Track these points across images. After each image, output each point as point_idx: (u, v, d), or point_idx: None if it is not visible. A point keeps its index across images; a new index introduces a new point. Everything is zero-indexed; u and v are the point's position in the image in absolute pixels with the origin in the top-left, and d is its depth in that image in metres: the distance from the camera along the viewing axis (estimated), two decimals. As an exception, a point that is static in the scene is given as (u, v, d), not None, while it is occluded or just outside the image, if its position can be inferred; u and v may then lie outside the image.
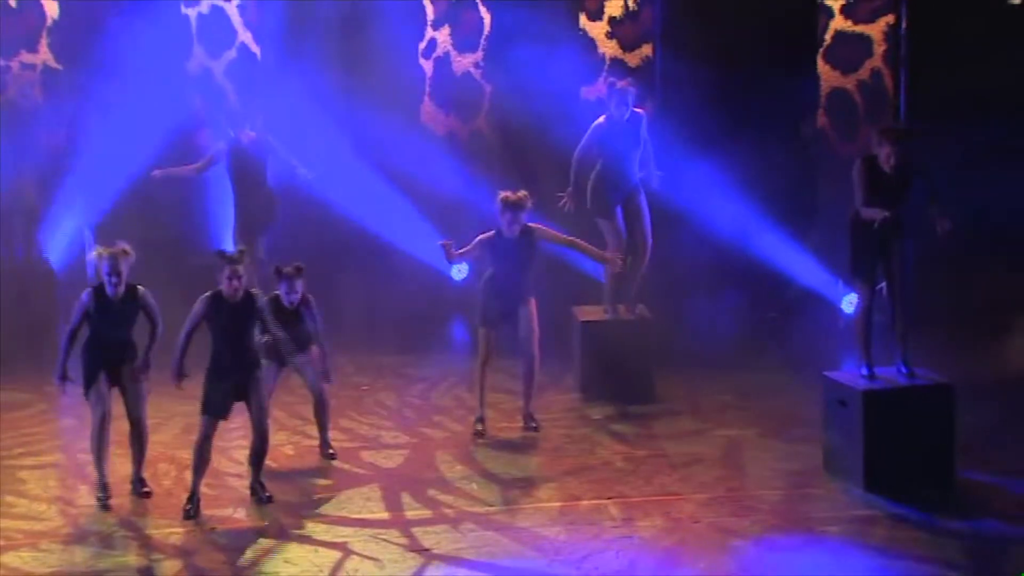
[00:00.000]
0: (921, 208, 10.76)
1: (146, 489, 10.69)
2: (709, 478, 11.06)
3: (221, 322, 10.31)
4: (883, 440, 10.65)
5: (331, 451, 11.54)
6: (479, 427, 12.07)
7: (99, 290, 10.51)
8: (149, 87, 15.13)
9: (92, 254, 10.58)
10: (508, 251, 11.89)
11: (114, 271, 10.43)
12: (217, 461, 11.31)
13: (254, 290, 10.45)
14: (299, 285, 11.10)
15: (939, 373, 11.01)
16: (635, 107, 12.87)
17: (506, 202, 11.79)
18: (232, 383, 10.34)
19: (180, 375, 10.39)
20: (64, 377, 10.62)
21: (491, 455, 11.53)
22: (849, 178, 10.94)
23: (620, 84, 12.92)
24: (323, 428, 11.55)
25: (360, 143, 15.29)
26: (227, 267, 10.22)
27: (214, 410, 10.36)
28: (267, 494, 10.52)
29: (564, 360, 13.39)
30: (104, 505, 10.52)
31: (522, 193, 11.88)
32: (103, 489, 10.61)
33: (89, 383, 10.60)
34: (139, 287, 10.57)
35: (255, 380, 10.43)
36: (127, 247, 10.52)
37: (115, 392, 10.63)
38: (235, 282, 10.22)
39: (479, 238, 11.95)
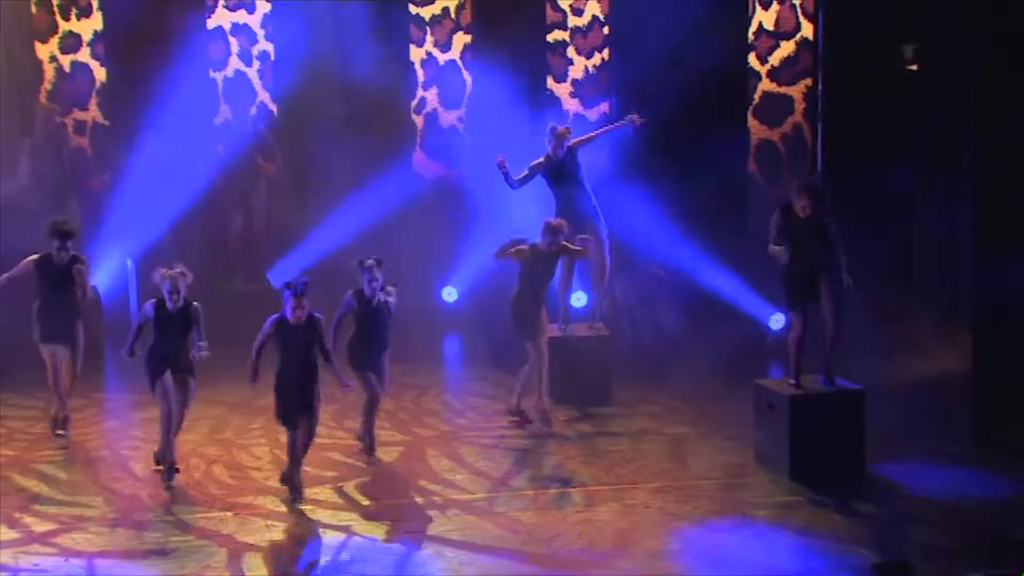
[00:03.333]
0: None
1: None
2: (658, 470, 11.05)
3: (285, 342, 10.16)
4: (806, 437, 10.67)
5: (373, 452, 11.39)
6: (512, 418, 12.04)
7: (160, 303, 10.50)
8: (182, 138, 15.11)
9: (157, 275, 10.51)
10: (542, 265, 11.84)
11: (174, 289, 10.44)
12: (238, 456, 11.30)
13: (316, 315, 10.23)
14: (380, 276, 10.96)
15: (854, 381, 11.02)
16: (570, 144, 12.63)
17: (548, 226, 11.77)
18: (296, 395, 10.20)
19: (255, 376, 10.30)
20: (131, 353, 10.64)
21: (473, 451, 11.49)
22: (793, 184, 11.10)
23: (560, 129, 12.70)
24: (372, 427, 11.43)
25: (359, 185, 15.25)
26: (292, 299, 10.06)
27: (285, 421, 10.28)
28: (299, 495, 10.32)
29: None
30: (169, 485, 10.50)
31: (561, 221, 11.89)
32: (170, 472, 10.60)
33: (153, 382, 10.58)
34: (194, 303, 10.56)
35: (315, 393, 10.26)
36: (185, 269, 10.53)
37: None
38: (299, 311, 10.05)
39: (522, 247, 11.86)
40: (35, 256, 11.44)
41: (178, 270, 10.51)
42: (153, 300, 10.57)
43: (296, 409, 10.21)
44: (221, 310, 12.29)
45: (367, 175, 15.22)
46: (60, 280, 11.42)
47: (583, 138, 12.80)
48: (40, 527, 9.79)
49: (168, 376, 10.57)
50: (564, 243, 11.90)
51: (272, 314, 10.27)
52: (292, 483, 10.34)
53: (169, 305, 10.48)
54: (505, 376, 13.57)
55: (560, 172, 12.62)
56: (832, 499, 10.23)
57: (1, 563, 9.13)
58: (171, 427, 10.63)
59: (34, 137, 15.11)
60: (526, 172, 12.58)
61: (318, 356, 10.28)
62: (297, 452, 10.35)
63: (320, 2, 15.46)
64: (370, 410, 11.29)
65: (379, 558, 9.25)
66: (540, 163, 12.59)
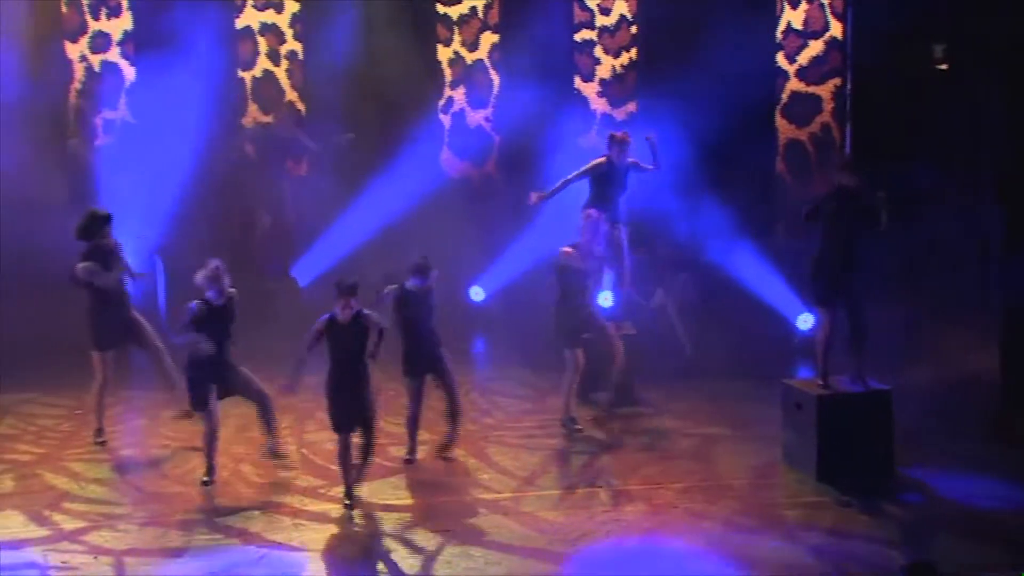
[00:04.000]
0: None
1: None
2: (685, 470, 11.03)
3: (334, 342, 10.08)
4: (833, 438, 10.63)
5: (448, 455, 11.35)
6: (575, 427, 11.96)
7: (205, 302, 10.56)
8: (210, 138, 15.17)
9: (199, 277, 10.54)
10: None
11: (219, 286, 10.52)
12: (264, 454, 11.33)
13: (364, 312, 10.13)
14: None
15: (881, 382, 10.98)
16: (629, 157, 12.78)
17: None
18: (349, 401, 10.14)
19: (294, 384, 10.32)
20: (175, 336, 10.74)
21: (500, 450, 11.50)
22: (800, 214, 11.08)
23: (620, 135, 12.81)
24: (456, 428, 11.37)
25: (388, 182, 15.28)
26: (339, 297, 10.02)
27: (339, 427, 10.19)
28: (350, 503, 10.22)
29: (561, 370, 13.35)
30: (208, 483, 10.59)
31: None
32: (210, 473, 10.66)
33: (202, 391, 10.63)
34: (232, 295, 10.65)
35: (368, 398, 10.20)
36: (220, 263, 10.58)
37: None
38: (347, 310, 10.01)
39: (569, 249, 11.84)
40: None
41: (214, 265, 10.56)
42: (197, 301, 10.59)
43: (350, 415, 10.11)
44: (248, 309, 12.35)
45: (394, 174, 15.25)
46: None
47: (639, 165, 12.76)
48: (69, 525, 9.85)
49: (215, 388, 10.61)
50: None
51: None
52: (350, 493, 10.22)
53: (213, 298, 10.52)
54: (532, 375, 13.62)
55: (613, 177, 12.71)
56: (859, 500, 10.20)
57: (31, 560, 9.19)
58: (214, 441, 10.68)
59: (74, 137, 15.21)
60: (583, 170, 12.64)
61: (367, 357, 10.16)
62: (356, 461, 10.20)
63: (348, 1, 15.51)
64: (413, 423, 11.25)
65: (406, 556, 9.27)
66: (600, 164, 12.63)
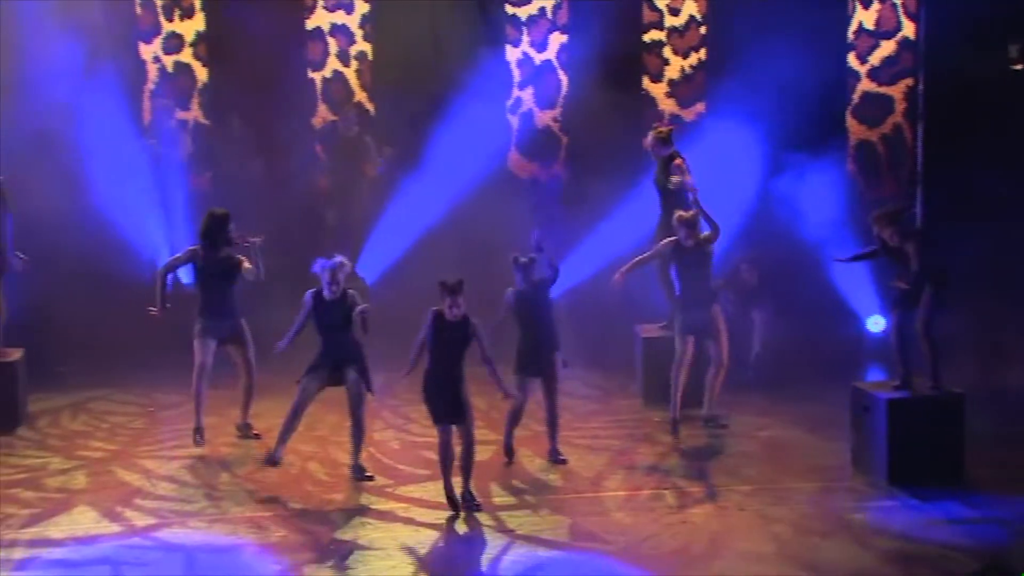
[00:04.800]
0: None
1: (368, 474, 10.79)
2: (753, 472, 10.97)
3: (438, 340, 10.05)
4: (903, 441, 10.53)
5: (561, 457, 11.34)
6: (676, 427, 11.94)
7: (318, 293, 10.67)
8: (280, 138, 15.28)
9: (316, 265, 10.67)
10: (690, 260, 11.78)
11: (333, 280, 10.61)
12: (334, 453, 11.39)
13: (473, 319, 10.06)
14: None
15: (962, 385, 10.87)
16: (676, 151, 12.62)
17: (680, 219, 11.72)
18: (446, 396, 10.10)
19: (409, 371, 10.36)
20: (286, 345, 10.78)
21: (566, 450, 11.46)
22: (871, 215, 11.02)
23: (659, 128, 12.76)
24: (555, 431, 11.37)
25: (455, 183, 15.30)
26: (448, 296, 9.96)
27: (439, 420, 10.17)
28: (476, 502, 10.17)
29: (628, 371, 13.34)
30: (273, 462, 10.73)
31: (694, 212, 11.79)
32: (274, 462, 10.77)
33: (310, 371, 10.73)
34: (349, 290, 10.71)
35: (464, 395, 10.13)
36: (345, 260, 10.69)
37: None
38: (455, 309, 9.95)
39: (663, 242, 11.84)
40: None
41: (338, 260, 10.65)
42: (311, 291, 10.72)
43: (447, 410, 10.07)
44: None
45: (461, 175, 15.26)
46: (218, 275, 11.58)
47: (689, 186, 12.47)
48: (141, 521, 9.95)
49: (315, 380, 10.72)
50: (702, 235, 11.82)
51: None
52: (463, 499, 10.18)
53: (327, 293, 10.62)
54: (598, 376, 13.59)
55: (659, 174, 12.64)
56: (930, 504, 10.10)
57: (104, 555, 9.30)
58: (291, 426, 10.79)
59: (150, 136, 15.37)
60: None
61: (464, 358, 10.11)
62: (455, 461, 10.15)
63: (417, 2, 15.56)
64: (513, 419, 11.23)
65: (473, 556, 9.29)
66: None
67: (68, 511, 10.16)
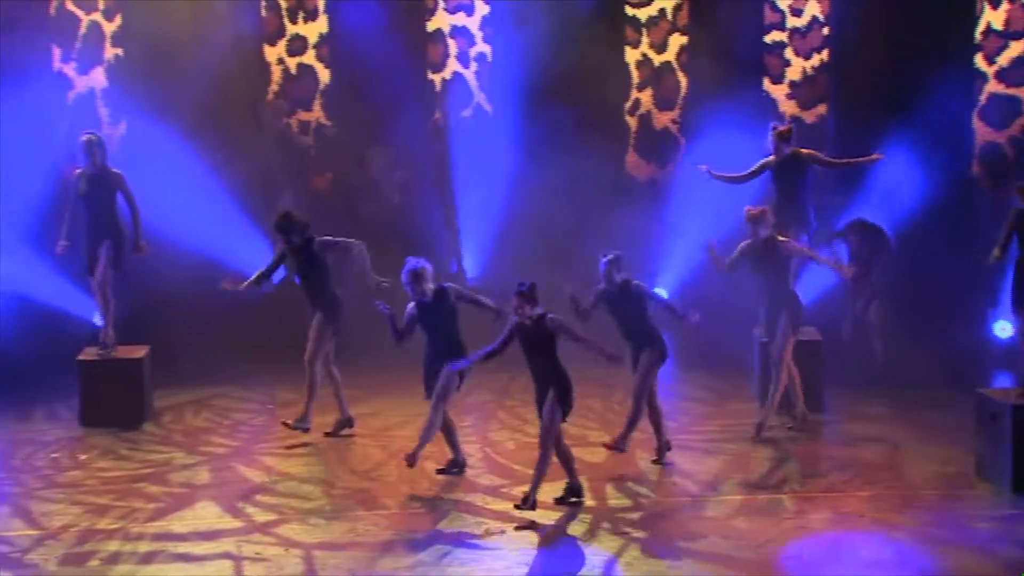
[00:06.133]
0: None
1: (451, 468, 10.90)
2: (872, 478, 10.81)
3: (522, 346, 9.99)
4: (1031, 449, 10.31)
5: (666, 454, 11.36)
6: (793, 423, 11.92)
7: (418, 302, 10.69)
8: (400, 139, 15.41)
9: (404, 274, 10.71)
10: (760, 258, 11.71)
11: (411, 285, 10.59)
12: (450, 452, 11.41)
13: (549, 315, 9.87)
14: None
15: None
16: (799, 148, 12.58)
17: (748, 215, 11.67)
18: (541, 400, 10.02)
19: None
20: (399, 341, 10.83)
21: (682, 454, 11.41)
22: (997, 218, 10.75)
23: (781, 127, 12.71)
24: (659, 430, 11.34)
25: (573, 184, 15.30)
26: (515, 298, 9.87)
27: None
28: (575, 499, 10.25)
29: (743, 373, 13.22)
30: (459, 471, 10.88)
31: (762, 208, 11.72)
32: (459, 465, 10.93)
33: (426, 381, 10.81)
34: (444, 285, 10.70)
35: (548, 399, 9.98)
36: (418, 264, 10.61)
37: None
38: (520, 311, 9.84)
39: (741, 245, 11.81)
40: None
41: (410, 266, 10.64)
42: (411, 304, 10.73)
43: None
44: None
45: (579, 176, 15.26)
46: (301, 268, 11.72)
47: (822, 159, 12.69)
48: (262, 517, 10.08)
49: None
50: (775, 235, 11.67)
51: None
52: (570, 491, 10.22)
53: (423, 299, 10.64)
54: (713, 379, 13.48)
55: (781, 172, 12.60)
56: (1057, 514, 9.88)
57: (225, 551, 9.44)
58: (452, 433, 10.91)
59: (262, 136, 15.61)
60: (754, 167, 12.73)
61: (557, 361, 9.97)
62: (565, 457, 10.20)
63: (537, 3, 15.58)
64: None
65: (588, 558, 9.26)
66: (767, 162, 12.69)
67: (191, 506, 10.33)
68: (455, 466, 10.96)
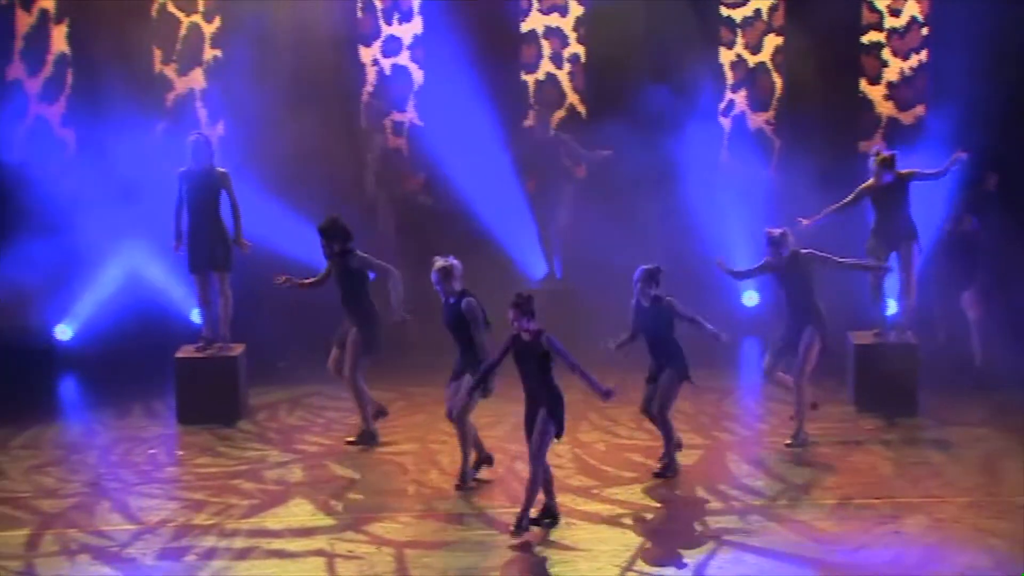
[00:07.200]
0: None
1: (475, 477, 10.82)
2: (970, 483, 10.66)
3: (517, 362, 9.73)
4: None
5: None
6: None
7: (445, 301, 10.60)
8: (491, 140, 15.45)
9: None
10: (783, 275, 11.63)
11: (439, 283, 10.47)
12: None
13: (544, 334, 9.56)
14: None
15: None
16: (899, 172, 12.47)
17: (770, 238, 11.57)
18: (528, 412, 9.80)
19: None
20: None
21: (775, 457, 11.34)
22: None
23: (885, 154, 12.60)
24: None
25: (666, 185, 15.23)
26: (510, 311, 9.60)
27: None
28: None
29: (838, 377, 13.09)
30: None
31: (783, 231, 11.60)
32: (465, 478, 10.82)
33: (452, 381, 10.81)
34: (465, 298, 10.50)
35: (540, 414, 9.65)
36: (450, 260, 10.46)
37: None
38: (515, 324, 9.54)
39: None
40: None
41: (441, 263, 10.48)
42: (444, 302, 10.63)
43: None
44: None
45: (672, 177, 15.20)
46: (339, 277, 11.76)
47: (919, 173, 12.59)
48: (354, 515, 10.17)
49: (453, 384, 10.72)
50: (802, 251, 11.53)
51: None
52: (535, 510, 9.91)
53: (449, 299, 10.53)
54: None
55: (883, 196, 12.55)
56: None
57: (318, 548, 9.53)
58: (471, 441, 10.81)
59: (357, 137, 15.73)
60: (852, 196, 12.62)
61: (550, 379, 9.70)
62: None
63: (632, 3, 15.54)
64: None
65: (678, 559, 9.24)
66: (867, 187, 12.59)
67: (285, 503, 10.45)
68: (464, 478, 10.79)
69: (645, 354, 11.01)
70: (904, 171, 12.57)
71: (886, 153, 12.71)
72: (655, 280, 10.81)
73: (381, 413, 11.99)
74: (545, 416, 9.61)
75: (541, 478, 9.73)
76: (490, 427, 11.69)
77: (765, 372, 11.83)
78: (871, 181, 12.59)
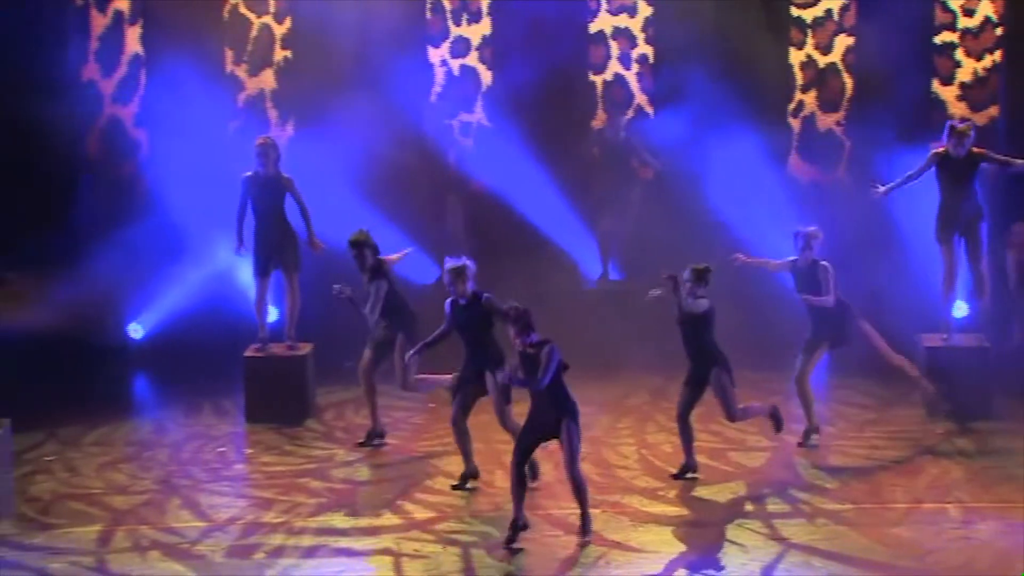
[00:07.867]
0: None
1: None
2: (1044, 489, 10.52)
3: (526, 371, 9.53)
4: None
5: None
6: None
7: (454, 300, 10.50)
8: (559, 141, 15.44)
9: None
10: (802, 278, 11.59)
11: (451, 283, 10.41)
12: (606, 454, 11.44)
13: (543, 343, 9.37)
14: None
15: None
16: (972, 148, 12.25)
17: (809, 234, 11.49)
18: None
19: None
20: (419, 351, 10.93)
21: (843, 460, 11.25)
22: None
23: (960, 126, 12.35)
24: None
25: (734, 186, 15.16)
26: (511, 329, 9.40)
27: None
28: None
29: (909, 380, 12.94)
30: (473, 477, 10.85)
31: (816, 229, 11.56)
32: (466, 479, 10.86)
33: (454, 391, 10.92)
34: (484, 294, 10.41)
35: (563, 425, 9.50)
36: (458, 262, 10.39)
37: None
38: (512, 335, 9.41)
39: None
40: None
41: (450, 264, 10.41)
42: (449, 299, 10.56)
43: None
44: (577, 310, 12.79)
45: (741, 178, 15.11)
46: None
47: (990, 155, 12.33)
48: (420, 515, 10.22)
49: (461, 391, 10.68)
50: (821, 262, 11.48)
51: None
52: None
53: (460, 300, 10.44)
54: (875, 385, 13.23)
55: (952, 171, 12.25)
56: None
57: (385, 547, 9.58)
58: (463, 443, 10.78)
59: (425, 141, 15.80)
60: (924, 163, 12.36)
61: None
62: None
63: (701, 4, 15.47)
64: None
65: (745, 562, 9.19)
66: (938, 153, 12.28)
67: (352, 502, 10.51)
68: (466, 479, 10.81)
69: (684, 359, 10.92)
70: (977, 149, 12.28)
71: (961, 124, 12.46)
72: (704, 280, 10.69)
73: (380, 435, 12.02)
74: (569, 425, 9.48)
75: (585, 483, 9.67)
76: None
77: (796, 378, 11.72)
78: (943, 148, 12.27)
